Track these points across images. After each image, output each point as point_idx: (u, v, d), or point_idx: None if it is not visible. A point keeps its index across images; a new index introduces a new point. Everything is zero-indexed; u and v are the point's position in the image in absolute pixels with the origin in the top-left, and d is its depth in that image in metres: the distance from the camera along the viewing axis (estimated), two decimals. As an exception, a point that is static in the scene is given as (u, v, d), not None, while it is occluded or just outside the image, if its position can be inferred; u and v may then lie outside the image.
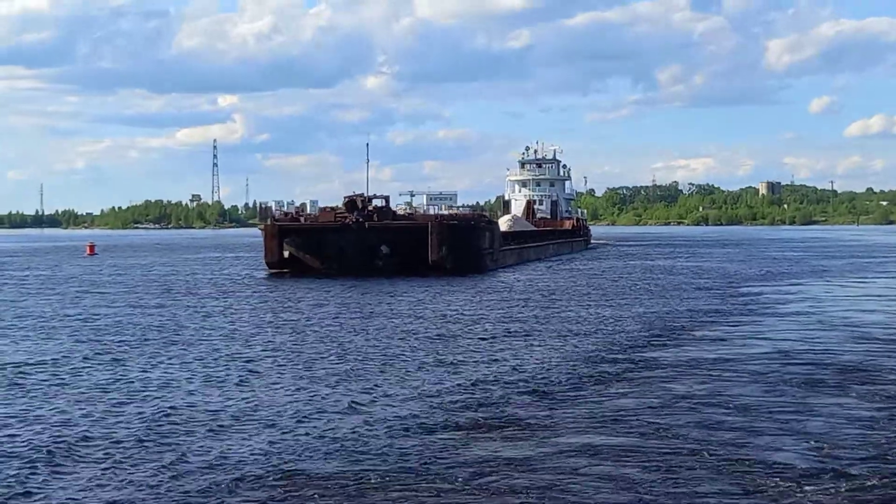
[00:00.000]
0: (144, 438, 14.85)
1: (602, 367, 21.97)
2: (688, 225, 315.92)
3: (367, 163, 76.14)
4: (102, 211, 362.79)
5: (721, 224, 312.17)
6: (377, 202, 60.72)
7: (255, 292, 44.40)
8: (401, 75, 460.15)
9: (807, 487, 12.32)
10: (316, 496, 12.07)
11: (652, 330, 29.06)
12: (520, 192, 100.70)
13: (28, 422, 16.04)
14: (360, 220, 57.00)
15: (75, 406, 17.30)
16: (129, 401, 17.85)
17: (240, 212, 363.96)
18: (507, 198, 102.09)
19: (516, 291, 44.24)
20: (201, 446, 14.42)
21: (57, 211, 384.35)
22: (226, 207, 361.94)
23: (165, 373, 21.09)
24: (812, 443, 14.63)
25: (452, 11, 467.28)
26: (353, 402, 17.74)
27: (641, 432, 15.32)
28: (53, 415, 16.57)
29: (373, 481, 12.68)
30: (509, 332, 28.42)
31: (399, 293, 41.81)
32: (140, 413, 16.70)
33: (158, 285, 49.33)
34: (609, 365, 22.22)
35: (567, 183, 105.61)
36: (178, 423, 15.90)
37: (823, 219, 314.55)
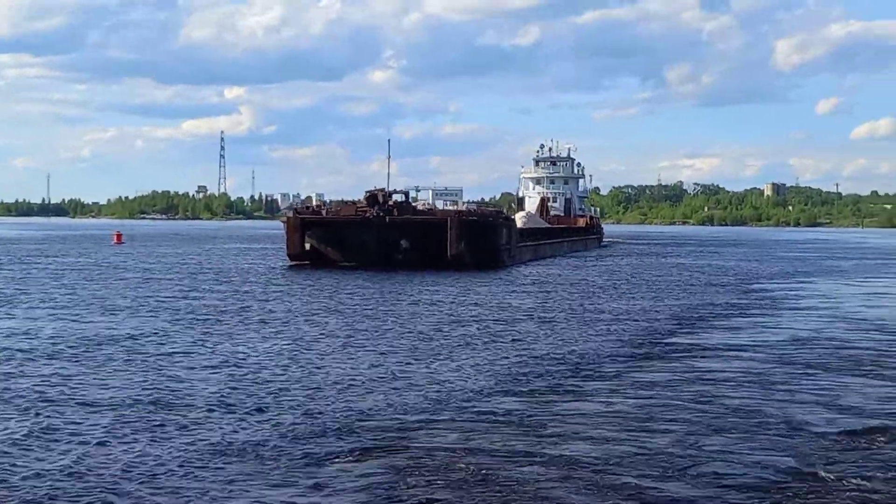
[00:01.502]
0: (260, 397, 17.31)
1: (636, 349, 24.20)
2: (693, 225, 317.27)
3: (389, 158, 77.98)
4: (109, 200, 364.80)
5: (726, 224, 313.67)
6: (397, 197, 61.93)
7: (297, 282, 46.43)
8: (408, 70, 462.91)
9: (838, 446, 14.46)
10: (405, 440, 14.21)
11: (677, 319, 31.28)
12: (534, 189, 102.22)
13: (164, 380, 18.54)
14: (381, 214, 57.73)
15: (194, 370, 19.94)
16: (244, 369, 20.41)
17: (245, 203, 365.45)
18: (520, 195, 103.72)
19: (540, 285, 46.25)
20: (305, 403, 16.73)
21: (63, 200, 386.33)
22: (231, 199, 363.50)
23: (251, 346, 23.63)
24: (836, 411, 16.80)
25: (461, 7, 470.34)
26: (421, 372, 20.04)
27: (682, 398, 17.53)
28: (177, 377, 19.11)
29: (458, 428, 14.84)
30: (545, 319, 30.60)
31: (429, 285, 43.65)
32: (245, 376, 19.29)
33: (205, 272, 51.73)
34: (642, 347, 24.46)
35: (581, 181, 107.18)
36: (278, 385, 18.28)
37: (828, 221, 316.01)
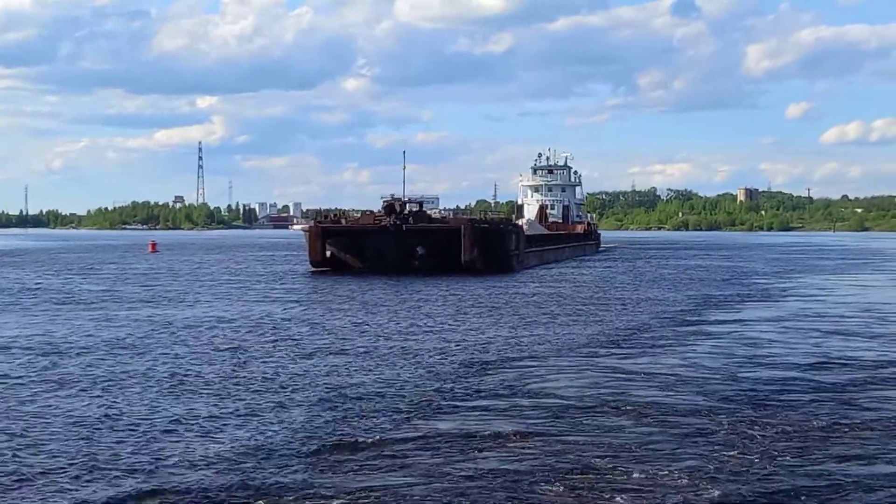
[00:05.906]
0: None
1: (677, 322, 30.41)
2: (668, 230, 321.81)
3: (404, 168, 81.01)
4: (89, 211, 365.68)
5: (701, 229, 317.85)
6: (412, 206, 65.41)
7: (344, 284, 51.55)
8: (381, 78, 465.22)
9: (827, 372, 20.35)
10: (527, 371, 19.96)
11: (700, 304, 37.57)
12: (532, 197, 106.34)
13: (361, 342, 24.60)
14: (398, 222, 60.94)
15: (361, 338, 26.14)
16: (396, 340, 26.49)
17: (223, 213, 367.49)
18: (519, 202, 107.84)
19: (561, 283, 51.53)
20: (448, 353, 22.60)
21: (41, 211, 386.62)
22: (210, 208, 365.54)
23: (388, 325, 29.66)
24: (837, 358, 22.91)
25: (433, 15, 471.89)
26: (515, 338, 26.12)
27: (719, 348, 24.13)
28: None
29: (564, 363, 20.71)
30: (586, 305, 36.55)
31: (457, 287, 47.26)
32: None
33: (260, 276, 57.33)
34: (680, 321, 30.72)
35: (577, 188, 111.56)
36: (423, 347, 24.22)
37: (800, 225, 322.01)
